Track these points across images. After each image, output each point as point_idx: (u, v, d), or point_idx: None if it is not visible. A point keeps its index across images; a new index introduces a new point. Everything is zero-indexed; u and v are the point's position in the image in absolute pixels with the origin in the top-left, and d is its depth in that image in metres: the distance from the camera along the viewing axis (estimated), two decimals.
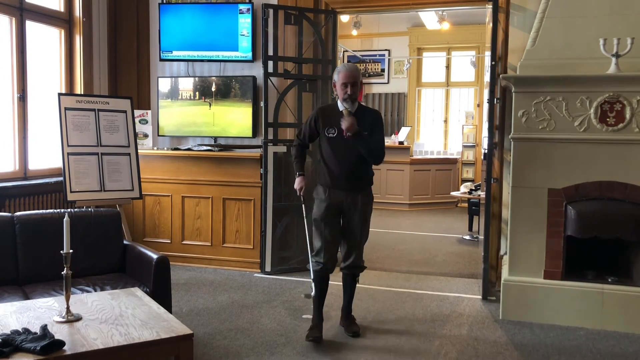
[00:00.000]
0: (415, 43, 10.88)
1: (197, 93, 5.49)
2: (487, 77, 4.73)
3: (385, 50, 11.21)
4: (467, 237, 7.04)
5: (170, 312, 3.17)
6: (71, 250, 2.49)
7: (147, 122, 5.56)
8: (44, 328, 2.26)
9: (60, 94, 4.55)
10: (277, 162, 5.10)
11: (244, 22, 5.30)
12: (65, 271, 2.47)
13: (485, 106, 4.67)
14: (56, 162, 4.89)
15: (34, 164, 4.85)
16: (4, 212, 4.18)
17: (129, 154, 4.72)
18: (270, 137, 5.11)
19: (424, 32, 10.65)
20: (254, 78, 5.33)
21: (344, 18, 9.29)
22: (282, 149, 5.10)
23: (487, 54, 4.71)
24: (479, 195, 6.68)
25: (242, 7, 5.27)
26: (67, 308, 2.50)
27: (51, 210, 3.74)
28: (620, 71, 3.82)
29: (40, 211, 3.72)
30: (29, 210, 4.36)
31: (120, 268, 3.71)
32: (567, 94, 3.94)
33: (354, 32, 10.33)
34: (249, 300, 4.40)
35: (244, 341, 3.55)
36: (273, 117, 5.11)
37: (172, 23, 5.46)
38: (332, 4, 5.43)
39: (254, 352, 3.38)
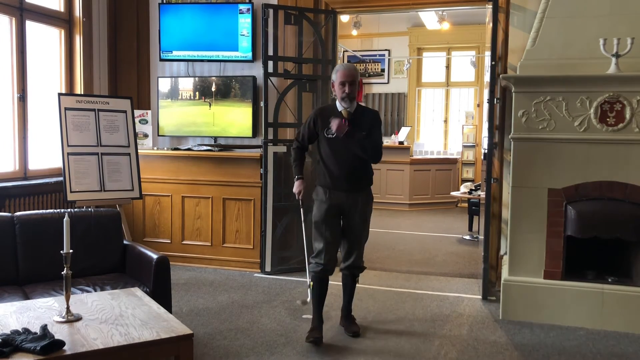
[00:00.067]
0: (415, 43, 10.88)
1: (197, 93, 5.49)
2: (487, 77, 4.73)
3: (385, 50, 11.22)
4: (467, 237, 7.04)
5: (170, 312, 3.17)
6: (71, 250, 2.49)
7: (147, 122, 5.56)
8: (44, 328, 2.26)
9: (60, 94, 4.55)
10: (277, 162, 5.10)
11: (244, 22, 5.30)
12: (65, 271, 2.47)
13: (485, 106, 4.67)
14: (56, 162, 4.89)
15: (34, 164, 4.85)
16: (4, 212, 4.18)
17: (129, 154, 4.72)
18: (270, 137, 5.11)
19: (424, 32, 10.65)
20: (254, 78, 5.33)
21: (344, 18, 9.29)
22: (282, 149, 5.10)
23: (487, 54, 4.71)
24: (479, 195, 6.68)
25: (242, 7, 5.28)
26: (67, 308, 2.50)
27: (51, 210, 3.74)
28: (620, 71, 3.82)
29: (40, 211, 3.72)
30: (29, 210, 4.36)
31: (120, 268, 3.71)
32: (567, 94, 3.94)
33: (354, 32, 10.33)
34: (249, 300, 4.40)
35: (244, 341, 3.55)
36: (273, 117, 5.12)
37: (172, 23, 5.46)
38: (332, 4, 5.43)
39: (254, 352, 3.38)
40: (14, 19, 4.63)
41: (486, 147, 4.63)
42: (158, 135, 5.65)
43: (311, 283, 3.61)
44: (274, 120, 5.12)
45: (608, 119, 3.88)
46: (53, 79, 5.18)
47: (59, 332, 2.32)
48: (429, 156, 10.03)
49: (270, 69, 5.09)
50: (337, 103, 3.59)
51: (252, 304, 4.30)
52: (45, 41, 5.08)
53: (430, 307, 4.31)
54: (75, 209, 4.11)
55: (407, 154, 9.40)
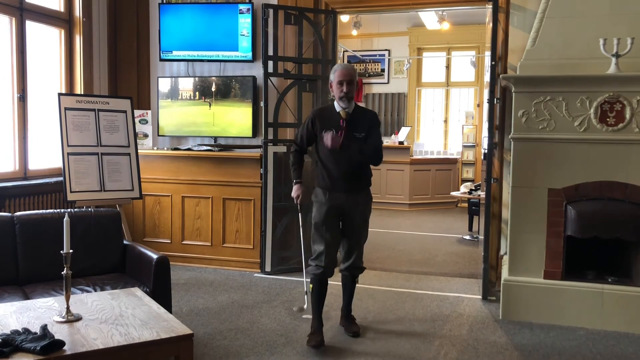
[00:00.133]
0: (415, 43, 10.88)
1: (197, 93, 5.49)
2: (487, 77, 4.73)
3: (385, 50, 11.22)
4: (467, 237, 7.04)
5: (170, 312, 3.17)
6: (71, 250, 2.49)
7: (147, 122, 5.56)
8: (44, 328, 2.26)
9: (60, 94, 4.55)
10: (277, 162, 5.10)
11: (244, 22, 5.30)
12: (65, 271, 2.47)
13: (485, 106, 4.67)
14: (56, 162, 4.89)
15: (34, 164, 4.85)
16: (4, 212, 4.18)
17: (129, 154, 4.72)
18: (270, 137, 5.11)
19: (424, 32, 10.65)
20: (254, 78, 5.33)
21: (344, 18, 9.29)
22: (282, 149, 5.10)
23: (487, 54, 4.71)
24: (479, 195, 6.68)
25: (242, 7, 5.28)
26: (67, 308, 2.50)
27: (51, 210, 3.74)
28: (620, 71, 3.82)
29: (40, 211, 3.72)
30: (29, 210, 4.36)
31: (120, 268, 3.71)
32: (567, 94, 3.94)
33: (354, 32, 10.33)
34: (249, 300, 4.40)
35: (244, 341, 3.55)
36: (273, 117, 5.12)
37: (172, 23, 5.46)
38: (332, 4, 5.43)
39: (254, 352, 3.38)
40: (14, 19, 4.63)
41: (486, 147, 4.63)
42: (158, 135, 5.65)
43: (311, 286, 3.58)
44: (274, 120, 5.12)
45: (608, 119, 3.88)
46: (53, 79, 5.18)
47: (59, 332, 2.32)
48: (429, 156, 10.03)
49: (270, 69, 5.09)
50: (335, 103, 3.57)
51: (252, 304, 4.30)
52: (45, 41, 5.08)
53: (430, 307, 4.31)
54: (75, 209, 4.11)
55: (407, 154, 9.40)
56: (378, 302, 4.43)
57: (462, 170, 10.08)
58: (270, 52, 5.09)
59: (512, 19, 4.55)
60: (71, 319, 2.47)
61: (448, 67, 10.98)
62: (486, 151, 4.62)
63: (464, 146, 10.13)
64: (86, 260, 3.54)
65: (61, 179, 4.47)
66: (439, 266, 5.62)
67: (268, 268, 5.13)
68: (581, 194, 3.94)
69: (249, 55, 5.33)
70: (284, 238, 5.21)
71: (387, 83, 11.26)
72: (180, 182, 5.38)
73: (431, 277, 5.19)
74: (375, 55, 11.28)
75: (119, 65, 5.76)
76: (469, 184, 7.77)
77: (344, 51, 10.83)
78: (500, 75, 4.25)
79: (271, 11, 5.07)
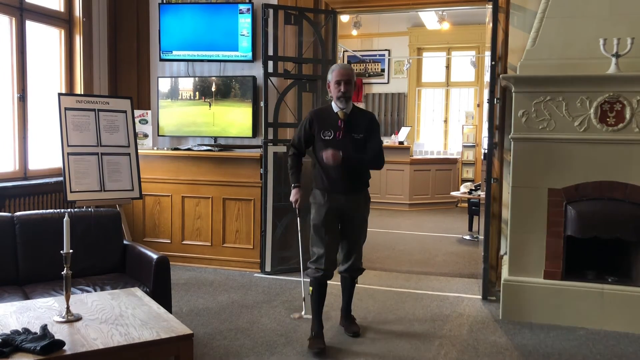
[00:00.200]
0: (415, 43, 10.88)
1: (197, 93, 5.49)
2: (487, 77, 4.73)
3: (385, 50, 11.22)
4: (467, 237, 7.04)
5: (170, 312, 3.17)
6: (71, 250, 2.49)
7: (147, 122, 5.56)
8: (44, 328, 2.26)
9: (60, 94, 4.55)
10: (277, 162, 5.10)
11: (244, 22, 5.30)
12: (65, 271, 2.47)
13: (485, 106, 4.67)
14: (56, 162, 4.89)
15: (34, 164, 4.85)
16: (4, 212, 4.18)
17: (129, 154, 4.72)
18: (270, 137, 5.11)
19: (424, 32, 10.65)
20: (254, 78, 5.33)
21: (344, 18, 9.29)
22: (282, 149, 5.10)
23: (487, 54, 4.71)
24: (479, 195, 6.68)
25: (242, 7, 5.28)
26: (67, 308, 2.50)
27: (51, 210, 3.73)
28: (620, 71, 3.82)
29: (40, 211, 3.72)
30: (29, 210, 4.36)
31: (120, 268, 3.71)
32: (567, 94, 3.94)
33: (354, 32, 10.33)
34: (249, 300, 4.40)
35: (244, 341, 3.55)
36: (273, 117, 5.12)
37: (172, 23, 5.46)
38: (332, 4, 5.43)
39: (254, 352, 3.38)
40: (14, 19, 4.63)
41: (486, 147, 4.63)
42: (158, 135, 5.65)
43: (310, 288, 3.56)
44: (274, 120, 5.13)
45: (608, 119, 3.88)
46: (53, 79, 5.18)
47: (59, 332, 2.32)
48: (429, 156, 10.03)
49: (270, 69, 5.09)
50: (333, 104, 3.55)
51: (252, 304, 4.30)
52: (45, 41, 5.08)
53: (430, 307, 4.31)
54: (75, 209, 4.11)
55: (407, 154, 9.40)
56: (378, 302, 4.43)
57: (462, 170, 10.09)
58: (270, 52, 5.09)
59: (512, 19, 4.55)
60: (71, 319, 2.47)
61: (448, 67, 10.98)
62: (486, 151, 4.62)
63: (464, 146, 10.13)
64: (86, 260, 3.54)
65: (61, 179, 4.47)
66: (439, 266, 5.62)
67: (268, 268, 5.14)
68: (581, 194, 3.94)
69: (249, 55, 5.33)
70: (284, 238, 5.21)
71: (387, 83, 11.26)
72: (180, 182, 5.38)
73: (431, 277, 5.19)
74: (375, 55, 11.28)
75: (119, 65, 5.76)
76: (469, 184, 7.77)
77: (344, 51, 10.84)
78: (500, 75, 4.25)
79: (271, 11, 5.07)
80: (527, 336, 3.73)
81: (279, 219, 5.15)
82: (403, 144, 9.59)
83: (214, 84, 5.44)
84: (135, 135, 4.88)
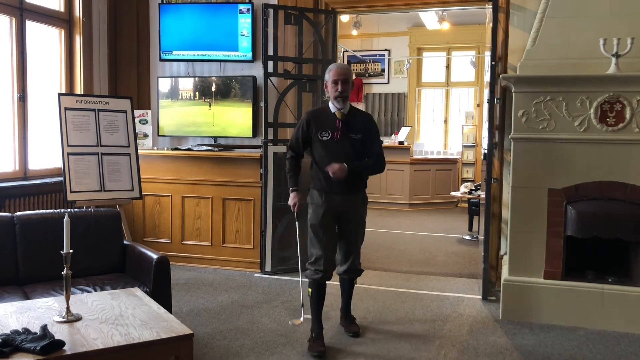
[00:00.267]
0: (415, 43, 10.88)
1: (197, 93, 5.49)
2: (487, 77, 4.73)
3: (385, 50, 11.22)
4: (467, 237, 7.04)
5: (170, 312, 3.17)
6: (71, 250, 2.49)
7: (147, 122, 5.56)
8: (44, 328, 2.26)
9: (60, 94, 4.55)
10: (277, 162, 5.10)
11: (244, 22, 5.30)
12: (65, 271, 2.48)
13: (485, 106, 4.67)
14: (56, 162, 4.89)
15: (34, 164, 4.85)
16: (4, 212, 4.18)
17: (129, 154, 4.72)
18: (270, 137, 5.11)
19: (424, 32, 10.65)
20: (254, 78, 5.33)
21: (344, 18, 9.29)
22: (282, 149, 5.10)
23: (487, 54, 4.71)
24: (479, 195, 6.68)
25: (242, 7, 5.28)
26: (67, 308, 2.50)
27: (51, 210, 3.74)
28: (620, 71, 3.82)
29: (40, 211, 3.72)
30: (29, 210, 4.37)
31: (120, 268, 3.71)
32: (567, 94, 3.94)
33: (354, 32, 10.33)
34: (249, 300, 4.40)
35: (244, 341, 3.55)
36: (273, 117, 5.12)
37: (172, 23, 5.46)
38: (332, 4, 5.43)
39: (254, 352, 3.38)
40: (14, 19, 4.63)
41: (486, 147, 4.63)
42: (158, 135, 5.65)
43: (310, 290, 3.54)
44: (274, 120, 5.13)
45: (608, 119, 3.88)
46: (53, 79, 5.18)
47: (59, 332, 2.32)
48: (429, 156, 10.03)
49: (270, 69, 5.09)
50: (330, 104, 3.52)
51: (252, 304, 4.30)
52: (45, 41, 5.08)
53: (431, 307, 4.31)
54: (75, 209, 4.11)
55: (407, 154, 9.40)
56: (378, 302, 4.43)
57: (462, 170, 10.09)
58: (270, 52, 5.09)
59: (512, 19, 4.55)
60: (71, 319, 2.47)
61: (448, 67, 10.98)
62: (486, 151, 4.62)
63: (464, 146, 10.13)
64: (86, 260, 3.54)
65: (61, 179, 4.47)
66: (439, 266, 5.62)
67: (268, 268, 5.14)
68: (581, 194, 3.94)
69: (249, 55, 5.34)
70: (284, 238, 5.21)
71: (387, 83, 11.26)
72: (180, 182, 5.38)
73: (431, 277, 5.19)
74: (375, 55, 11.28)
75: (119, 65, 5.76)
76: (469, 184, 7.77)
77: (344, 51, 10.84)
78: (500, 75, 4.25)
79: (271, 11, 5.07)
80: (527, 336, 3.74)
81: (279, 219, 5.15)
82: (403, 144, 9.59)
83: (214, 84, 5.44)
84: (135, 135, 4.88)
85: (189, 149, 5.37)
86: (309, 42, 5.27)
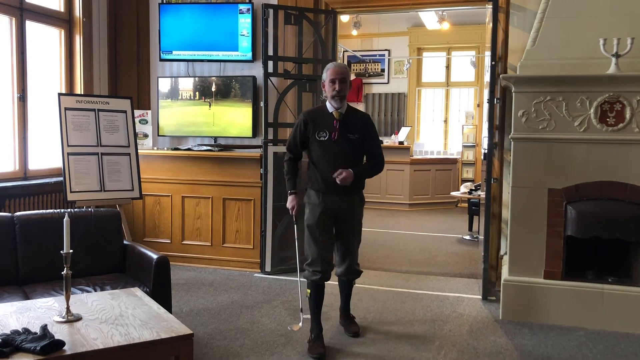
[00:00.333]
0: (415, 43, 10.88)
1: (197, 93, 5.49)
2: (487, 77, 4.73)
3: (385, 50, 11.22)
4: (467, 237, 7.04)
5: (170, 312, 3.17)
6: (71, 250, 2.49)
7: (147, 122, 5.56)
8: (44, 328, 2.26)
9: (60, 94, 4.55)
10: (277, 162, 5.09)
11: (244, 22, 5.30)
12: (65, 271, 2.48)
13: (485, 106, 4.67)
14: (56, 162, 4.89)
15: (34, 164, 4.85)
16: (4, 212, 4.18)
17: (129, 154, 4.72)
18: (270, 137, 5.11)
19: (424, 32, 10.65)
20: (254, 78, 5.33)
21: (344, 18, 9.29)
22: (282, 149, 5.09)
23: (487, 54, 4.71)
24: (479, 195, 6.68)
25: (242, 7, 5.28)
26: (67, 308, 2.50)
27: (51, 210, 3.73)
28: (620, 71, 3.82)
29: (40, 211, 3.72)
30: (29, 210, 4.37)
31: (120, 268, 3.71)
32: (567, 94, 3.94)
33: (354, 32, 10.33)
34: (249, 300, 4.40)
35: (244, 341, 3.55)
36: (273, 117, 5.12)
37: (172, 23, 5.46)
38: (332, 4, 5.43)
39: (254, 352, 3.38)
40: (14, 19, 4.63)
41: (486, 147, 4.63)
42: (158, 135, 5.65)
43: (308, 291, 3.54)
44: (274, 120, 5.13)
45: (608, 119, 3.88)
46: (53, 79, 5.18)
47: (59, 332, 2.32)
48: (429, 156, 10.03)
49: (270, 69, 5.09)
50: (327, 103, 3.51)
51: (252, 304, 4.30)
52: (45, 41, 5.08)
53: (431, 307, 4.31)
54: (75, 209, 4.11)
55: (407, 154, 9.40)
56: (378, 302, 4.43)
57: (462, 170, 10.09)
58: (270, 52, 5.09)
59: (512, 19, 4.55)
60: (71, 319, 2.47)
61: (448, 67, 10.98)
62: (486, 151, 4.62)
63: (464, 146, 10.13)
64: (86, 260, 3.54)
65: (61, 179, 4.47)
66: (439, 266, 5.62)
67: (268, 268, 5.14)
68: (581, 194, 3.94)
69: (249, 55, 5.34)
70: (284, 238, 5.20)
71: (387, 83, 11.26)
72: (180, 182, 5.38)
73: (431, 277, 5.19)
74: (375, 55, 11.28)
75: (119, 65, 5.76)
76: (469, 184, 7.77)
77: (344, 51, 10.84)
78: (500, 75, 4.25)
79: (271, 11, 5.07)
80: (527, 336, 3.74)
81: (279, 219, 5.15)
82: (403, 144, 9.59)
83: (214, 84, 5.44)
84: (135, 135, 4.88)
85: (189, 149, 5.37)
86: (309, 42, 5.27)
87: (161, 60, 5.57)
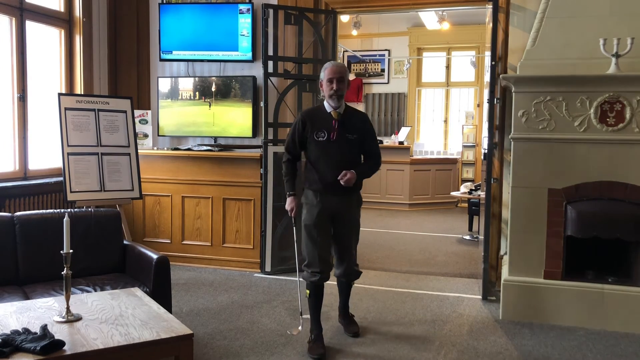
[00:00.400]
0: (415, 43, 10.88)
1: (197, 93, 5.49)
2: (487, 77, 4.73)
3: (385, 50, 11.22)
4: (467, 237, 7.04)
5: (170, 312, 3.17)
6: (71, 250, 2.49)
7: (147, 122, 5.56)
8: (44, 328, 2.26)
9: (60, 94, 4.55)
10: (277, 162, 5.09)
11: (244, 22, 5.30)
12: (65, 271, 2.48)
13: (485, 106, 4.67)
14: (56, 162, 4.89)
15: (34, 164, 4.85)
16: (4, 212, 4.18)
17: (129, 154, 4.72)
18: (270, 137, 5.11)
19: (424, 32, 10.65)
20: (254, 78, 5.33)
21: (344, 18, 9.29)
22: (282, 149, 5.06)
23: (487, 54, 4.71)
24: (479, 195, 6.68)
25: (242, 7, 5.28)
26: (67, 308, 2.50)
27: (51, 210, 3.73)
28: (620, 71, 3.82)
29: (40, 211, 3.72)
30: (29, 210, 4.36)
31: (120, 268, 3.71)
32: (567, 94, 3.94)
33: (354, 32, 10.33)
34: (249, 300, 4.39)
35: (244, 341, 3.55)
36: (273, 117, 5.12)
37: (172, 23, 5.46)
38: (332, 4, 5.43)
39: (254, 352, 3.38)
40: (14, 19, 4.63)
41: (486, 147, 4.63)
42: (158, 135, 5.65)
43: (307, 291, 3.53)
44: (274, 120, 5.13)
45: (608, 119, 3.88)
46: (53, 79, 5.18)
47: (59, 332, 2.32)
48: (429, 156, 10.03)
49: (270, 69, 5.09)
50: (325, 103, 3.49)
51: (252, 304, 4.30)
52: (45, 41, 5.08)
53: (431, 307, 4.31)
54: (75, 209, 4.11)
55: (407, 154, 9.40)
56: (378, 302, 4.43)
57: (462, 170, 10.09)
58: (270, 52, 5.09)
59: (512, 19, 4.55)
60: (71, 319, 2.47)
61: (448, 67, 10.98)
62: (486, 151, 4.62)
63: (464, 146, 10.13)
64: (86, 260, 3.54)
65: (61, 179, 4.47)
66: (439, 266, 5.62)
67: (268, 268, 5.14)
68: (581, 194, 3.94)
69: (249, 55, 5.34)
70: (284, 238, 5.20)
71: (387, 83, 11.26)
72: (180, 182, 5.38)
73: (431, 277, 5.19)
74: (375, 55, 11.28)
75: (119, 65, 5.76)
76: (469, 184, 7.77)
77: (344, 51, 10.84)
78: (500, 75, 4.25)
79: (271, 11, 5.07)
80: (527, 336, 3.74)
81: (278, 219, 5.15)
82: (403, 144, 9.59)
83: (214, 84, 5.44)
84: (135, 135, 4.88)
85: (189, 149, 5.37)
86: (309, 42, 5.27)
87: (161, 60, 5.57)
